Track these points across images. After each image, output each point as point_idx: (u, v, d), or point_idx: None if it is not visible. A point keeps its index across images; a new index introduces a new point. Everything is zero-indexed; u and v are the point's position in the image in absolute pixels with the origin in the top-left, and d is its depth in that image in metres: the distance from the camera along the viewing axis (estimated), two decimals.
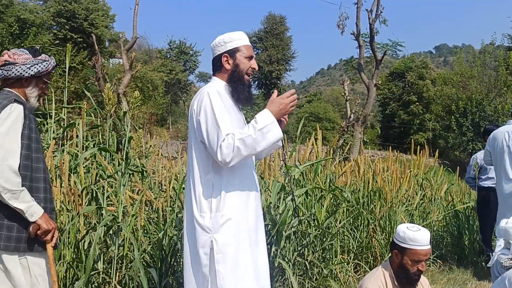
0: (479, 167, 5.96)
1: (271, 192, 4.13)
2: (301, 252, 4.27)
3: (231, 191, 2.36)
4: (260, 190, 3.58)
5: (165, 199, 4.14)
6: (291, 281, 3.71)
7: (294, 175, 4.40)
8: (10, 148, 2.22)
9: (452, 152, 24.67)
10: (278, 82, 42.39)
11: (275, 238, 3.93)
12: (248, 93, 2.56)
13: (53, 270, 2.34)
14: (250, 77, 2.57)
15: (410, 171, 6.23)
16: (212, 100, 2.34)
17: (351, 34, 19.30)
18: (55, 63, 2.54)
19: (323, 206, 4.60)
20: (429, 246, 2.84)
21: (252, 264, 2.39)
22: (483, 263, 5.74)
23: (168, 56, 40.03)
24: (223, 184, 2.35)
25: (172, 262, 3.70)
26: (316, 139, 5.36)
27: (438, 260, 5.70)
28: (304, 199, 4.67)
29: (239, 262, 2.32)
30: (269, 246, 3.80)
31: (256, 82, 42.18)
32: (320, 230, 4.40)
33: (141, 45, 38.71)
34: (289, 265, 3.90)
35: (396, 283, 2.90)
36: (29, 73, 2.41)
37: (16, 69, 2.39)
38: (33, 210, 2.25)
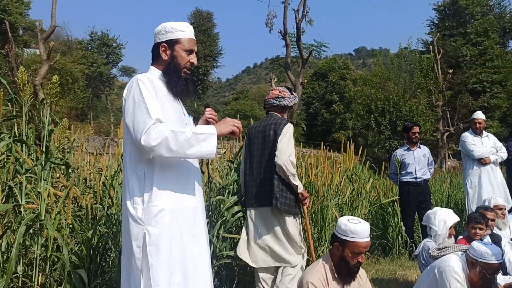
0: (399, 163, 6.25)
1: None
2: None
3: (164, 182, 2.27)
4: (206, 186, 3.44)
5: (94, 196, 3.86)
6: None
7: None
8: (292, 150, 3.62)
9: (371, 150, 25.84)
10: (205, 78, 42.03)
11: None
12: (185, 86, 2.49)
13: (308, 224, 3.93)
14: (189, 70, 2.50)
15: (341, 165, 6.37)
16: (141, 85, 2.27)
17: (278, 32, 19.53)
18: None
19: None
20: (369, 238, 2.87)
21: (189, 259, 2.29)
22: (408, 254, 6.02)
23: (90, 48, 38.21)
24: (155, 175, 2.26)
25: (101, 262, 3.45)
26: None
27: (366, 252, 5.88)
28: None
29: (172, 255, 2.23)
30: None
31: None
32: None
33: (59, 35, 36.52)
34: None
35: (336, 276, 2.91)
36: (290, 104, 3.85)
37: (286, 101, 3.83)
38: (301, 185, 3.69)
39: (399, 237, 6.27)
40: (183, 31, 2.46)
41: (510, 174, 7.02)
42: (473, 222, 4.02)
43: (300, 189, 3.65)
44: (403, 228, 6.26)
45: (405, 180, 6.21)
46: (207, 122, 2.55)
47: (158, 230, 2.20)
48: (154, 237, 2.19)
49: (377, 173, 9.21)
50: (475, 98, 29.50)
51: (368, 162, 8.49)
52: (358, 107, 28.29)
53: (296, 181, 3.60)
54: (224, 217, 4.01)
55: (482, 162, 6.17)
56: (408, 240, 6.10)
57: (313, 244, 3.75)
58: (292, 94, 3.86)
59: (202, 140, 2.24)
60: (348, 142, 7.01)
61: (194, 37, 2.53)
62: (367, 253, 5.83)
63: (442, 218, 4.09)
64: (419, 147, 6.36)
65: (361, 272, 3.04)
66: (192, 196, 2.37)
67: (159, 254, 2.18)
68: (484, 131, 6.41)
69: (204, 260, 2.38)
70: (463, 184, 6.59)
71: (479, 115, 6.46)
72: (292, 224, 3.66)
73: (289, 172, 3.53)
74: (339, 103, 39.36)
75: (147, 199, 2.22)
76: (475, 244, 3.28)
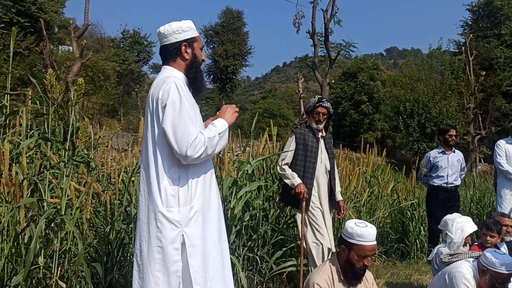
0: (431, 166, 6.10)
1: (223, 186, 4.10)
2: (251, 247, 4.27)
3: (196, 184, 2.35)
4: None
5: (113, 192, 4.02)
6: (240, 276, 3.71)
7: (247, 170, 4.39)
8: (287, 156, 4.21)
9: (398, 151, 25.49)
10: (234, 77, 42.30)
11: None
12: (204, 83, 2.59)
13: (302, 222, 4.05)
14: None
15: (359, 168, 6.37)
16: (181, 92, 2.30)
17: (306, 32, 19.49)
18: (315, 102, 4.29)
19: (275, 201, 4.63)
20: (375, 242, 2.92)
21: (218, 256, 2.41)
22: (426, 258, 5.97)
23: (121, 45, 39.00)
24: (189, 177, 2.33)
25: (119, 257, 3.60)
26: (269, 135, 5.39)
27: (383, 256, 5.89)
28: (256, 194, 4.68)
29: (205, 254, 2.33)
30: None
31: (212, 76, 41.89)
32: (270, 225, 4.42)
33: (92, 33, 37.39)
34: (239, 260, 3.89)
35: (342, 278, 2.96)
36: (306, 110, 4.44)
37: (305, 109, 4.42)
38: (292, 183, 4.08)
39: (417, 241, 6.22)
40: (195, 29, 2.52)
41: None
42: (485, 229, 3.99)
43: (293, 185, 4.07)
44: (422, 232, 6.20)
45: (435, 184, 5.99)
46: None
47: (195, 231, 2.29)
48: (192, 238, 2.27)
49: (402, 175, 9.12)
50: (508, 101, 28.61)
51: (390, 164, 8.43)
52: (387, 108, 27.96)
53: (288, 181, 4.13)
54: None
55: None
56: (426, 244, 6.04)
57: (303, 244, 4.07)
58: (313, 98, 4.43)
59: (222, 137, 2.40)
60: (368, 144, 6.99)
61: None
62: (383, 256, 5.83)
63: (460, 227, 4.03)
64: (454, 152, 6.12)
65: (368, 274, 3.09)
66: (216, 196, 2.48)
67: (197, 254, 2.27)
68: None
69: (228, 256, 2.53)
70: (496, 193, 6.30)
71: None
72: (299, 218, 4.17)
73: (280, 174, 4.26)
74: (368, 103, 38.89)
75: (183, 202, 2.28)
76: (488, 252, 3.27)
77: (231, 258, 3.75)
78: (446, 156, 6.04)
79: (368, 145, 7.10)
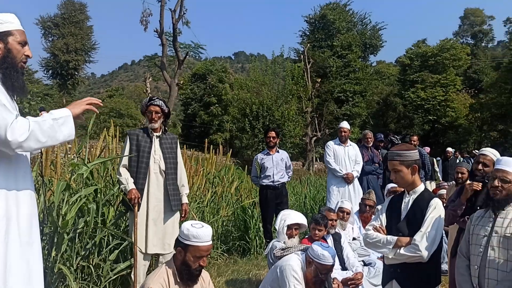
0: (260, 167, 6.48)
1: (54, 191, 3.79)
2: (85, 255, 4.01)
3: None
4: (40, 190, 3.31)
5: None
6: (72, 287, 3.46)
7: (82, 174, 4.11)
8: (123, 160, 4.08)
9: (245, 152, 26.64)
10: (76, 73, 39.54)
11: (56, 241, 3.60)
12: (22, 82, 2.35)
13: (135, 225, 3.93)
14: (25, 64, 2.38)
15: (203, 169, 6.46)
16: None
17: (154, 31, 19.19)
18: (146, 102, 4.19)
19: (112, 205, 4.43)
20: (211, 242, 2.97)
21: (23, 266, 2.21)
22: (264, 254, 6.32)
23: None
24: None
25: None
26: (107, 136, 5.14)
27: (225, 254, 6.06)
28: (94, 199, 4.42)
29: (6, 262, 2.13)
30: (48, 250, 3.48)
31: (50, 71, 38.56)
32: (107, 231, 4.22)
33: None
34: (71, 270, 3.63)
35: (178, 280, 2.95)
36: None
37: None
38: (126, 188, 3.97)
39: (257, 237, 6.55)
40: (13, 22, 2.33)
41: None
42: (314, 223, 4.38)
43: (126, 190, 3.98)
44: (261, 229, 6.56)
45: (264, 183, 6.34)
46: None
47: None
48: None
49: (245, 174, 9.50)
50: (339, 106, 32.17)
51: (235, 164, 8.74)
52: (234, 110, 28.97)
53: (122, 186, 4.04)
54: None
55: (345, 178, 6.52)
56: (264, 240, 6.40)
57: (137, 249, 3.93)
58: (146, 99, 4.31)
59: (62, 124, 2.22)
60: (212, 145, 7.14)
61: (23, 29, 2.39)
62: (225, 254, 6.00)
63: (284, 218, 4.38)
64: (278, 152, 6.54)
65: (204, 274, 3.13)
66: (28, 200, 2.28)
67: None
68: (348, 140, 6.86)
69: (40, 269, 2.33)
70: (327, 190, 7.00)
71: (345, 124, 6.93)
72: (130, 219, 4.12)
73: (117, 178, 4.20)
74: (217, 105, 39.85)
75: None
76: (314, 245, 3.58)
77: (62, 269, 3.51)
78: (270, 156, 6.46)
79: (212, 145, 7.24)
